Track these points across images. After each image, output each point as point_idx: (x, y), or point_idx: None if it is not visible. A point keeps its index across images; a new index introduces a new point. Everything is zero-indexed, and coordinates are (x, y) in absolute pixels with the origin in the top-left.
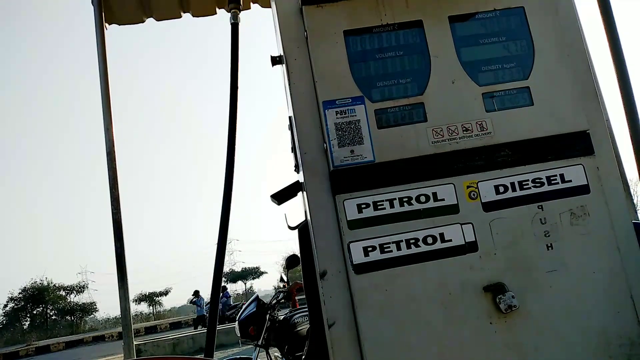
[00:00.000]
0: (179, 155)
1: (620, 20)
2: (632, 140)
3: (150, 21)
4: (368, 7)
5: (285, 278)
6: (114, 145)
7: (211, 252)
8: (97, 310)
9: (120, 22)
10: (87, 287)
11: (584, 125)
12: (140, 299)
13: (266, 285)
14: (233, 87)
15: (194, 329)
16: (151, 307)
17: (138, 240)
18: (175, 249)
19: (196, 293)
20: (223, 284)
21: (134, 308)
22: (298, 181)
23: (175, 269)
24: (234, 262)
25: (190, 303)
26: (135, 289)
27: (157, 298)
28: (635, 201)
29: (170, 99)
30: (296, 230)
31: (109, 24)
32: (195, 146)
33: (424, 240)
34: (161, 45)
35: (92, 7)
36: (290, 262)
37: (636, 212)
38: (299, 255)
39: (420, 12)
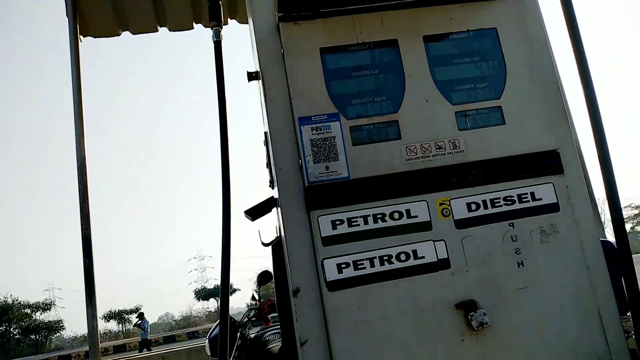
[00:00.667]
0: (152, 170)
1: (588, 43)
2: (599, 160)
3: (126, 34)
4: (344, 26)
5: (256, 296)
6: (85, 159)
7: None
8: (64, 329)
9: (96, 35)
10: (54, 304)
11: (553, 145)
12: (110, 316)
13: (239, 303)
14: (221, 104)
15: (139, 352)
16: (120, 325)
17: (108, 256)
18: (147, 265)
19: (140, 315)
20: (141, 310)
21: (103, 326)
22: (272, 197)
23: (147, 286)
24: (206, 279)
25: (134, 326)
26: (104, 307)
27: (127, 316)
28: (602, 220)
29: (144, 115)
30: (270, 247)
31: (84, 37)
32: (169, 161)
33: (397, 257)
34: (137, 58)
35: (67, 19)
36: (262, 278)
37: (603, 231)
38: (271, 271)
39: (395, 32)
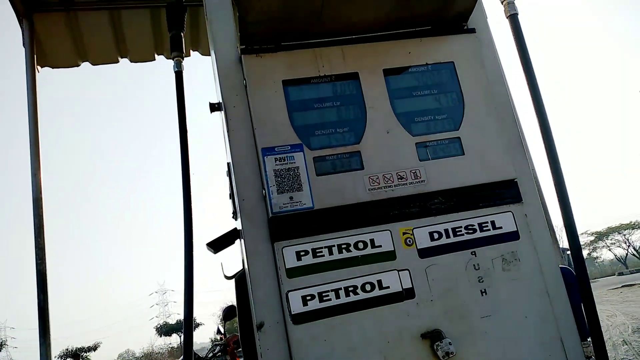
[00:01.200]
0: (111, 203)
1: (540, 74)
2: (555, 189)
3: (85, 65)
4: (306, 59)
5: (222, 330)
6: (41, 192)
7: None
8: None
9: (54, 65)
10: (5, 344)
11: (511, 174)
12: (67, 355)
13: (202, 338)
14: (182, 135)
15: None
16: None
17: (64, 293)
18: (107, 301)
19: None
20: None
21: None
22: (236, 228)
23: (106, 323)
24: (168, 314)
25: None
26: (60, 345)
27: (84, 354)
28: (561, 246)
29: (102, 147)
30: (233, 280)
31: (42, 67)
32: (129, 193)
33: (362, 288)
34: (96, 89)
35: (24, 48)
36: (228, 313)
37: (562, 258)
38: (235, 307)
39: (356, 65)
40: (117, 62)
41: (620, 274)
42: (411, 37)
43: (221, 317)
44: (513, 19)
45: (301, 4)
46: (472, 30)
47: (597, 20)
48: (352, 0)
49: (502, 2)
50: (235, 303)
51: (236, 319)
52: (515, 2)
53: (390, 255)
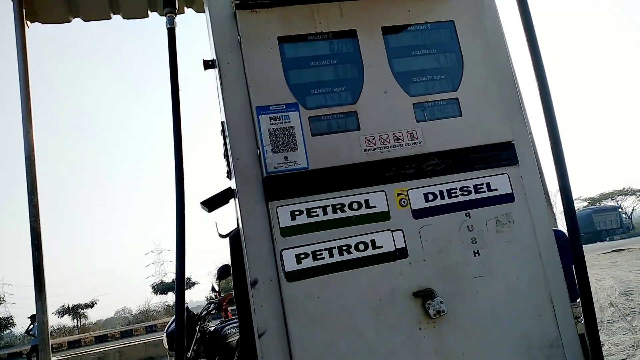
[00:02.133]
0: (106, 162)
1: (542, 39)
2: (552, 153)
3: (77, 21)
4: (303, 15)
5: (217, 288)
6: (33, 150)
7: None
8: (15, 325)
9: (44, 21)
10: (3, 300)
11: (508, 137)
12: (64, 311)
13: (198, 296)
14: (174, 92)
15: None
16: (75, 320)
17: (62, 251)
18: (103, 260)
19: (33, 318)
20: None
21: (57, 321)
22: (230, 188)
23: (103, 280)
24: (164, 272)
25: (26, 332)
26: (58, 301)
27: (82, 310)
28: (554, 211)
29: (96, 105)
30: (227, 239)
31: (31, 22)
32: (123, 152)
33: (356, 247)
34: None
35: (12, 3)
36: (223, 272)
37: (556, 221)
38: (229, 266)
39: (354, 22)
40: (110, 18)
41: (611, 239)
42: None
43: (216, 275)
44: None
45: None
46: None
47: None
48: None
49: None
50: (229, 262)
51: (231, 277)
52: None
53: (384, 216)
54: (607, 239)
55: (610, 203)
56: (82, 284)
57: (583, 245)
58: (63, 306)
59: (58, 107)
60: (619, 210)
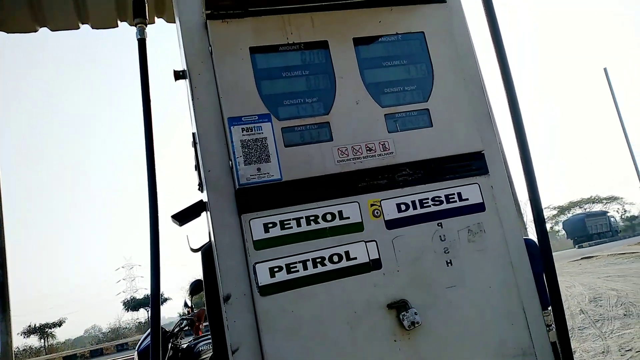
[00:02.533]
0: (75, 175)
1: (510, 49)
2: (521, 163)
3: (44, 31)
4: (274, 26)
5: (189, 304)
6: None
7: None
8: None
9: (9, 31)
10: None
11: (479, 147)
12: (30, 331)
13: (170, 312)
14: (145, 104)
15: None
16: (42, 341)
17: (30, 268)
18: (72, 277)
19: None
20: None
21: (23, 342)
22: (202, 200)
23: (72, 298)
24: (135, 288)
25: None
26: (25, 321)
27: (49, 330)
28: (524, 220)
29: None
30: (199, 253)
31: None
32: (94, 165)
33: (330, 259)
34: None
35: None
36: (195, 287)
37: (526, 230)
38: (201, 281)
39: (325, 33)
40: (78, 28)
41: (580, 246)
42: (382, 5)
43: (188, 290)
44: None
45: None
46: (443, 0)
47: None
48: None
49: None
50: (202, 276)
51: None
52: None
53: (358, 227)
54: (577, 246)
55: (578, 211)
56: (50, 302)
57: (554, 253)
58: (29, 326)
59: (25, 119)
60: (608, 214)
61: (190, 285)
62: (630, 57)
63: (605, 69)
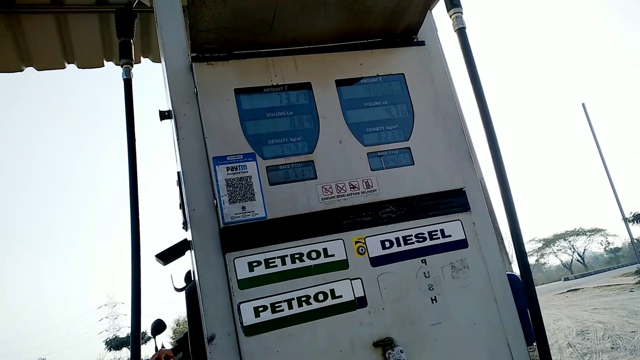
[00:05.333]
0: (58, 212)
1: (488, 85)
2: (502, 198)
3: (30, 70)
4: (258, 68)
5: (156, 344)
6: None
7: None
8: None
9: None
10: None
11: (460, 184)
12: None
13: (154, 351)
14: (131, 143)
15: None
16: None
17: (7, 306)
18: (53, 315)
19: None
20: None
21: None
22: (186, 239)
23: (52, 337)
24: (118, 327)
25: None
26: None
27: None
28: (510, 254)
29: (49, 154)
30: (184, 292)
31: None
32: (76, 203)
33: (315, 298)
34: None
35: None
36: (156, 327)
37: (510, 264)
38: (164, 321)
39: (308, 75)
40: (64, 67)
41: (566, 279)
42: (362, 48)
43: (151, 331)
44: (461, 32)
45: (252, 15)
46: (422, 43)
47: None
48: (303, 13)
49: (450, 17)
50: (180, 317)
51: (185, 330)
52: (462, 16)
53: (343, 264)
54: (563, 279)
55: (563, 243)
56: (31, 342)
57: (541, 286)
58: None
59: (6, 155)
60: None
61: (152, 326)
62: (607, 93)
63: (583, 104)
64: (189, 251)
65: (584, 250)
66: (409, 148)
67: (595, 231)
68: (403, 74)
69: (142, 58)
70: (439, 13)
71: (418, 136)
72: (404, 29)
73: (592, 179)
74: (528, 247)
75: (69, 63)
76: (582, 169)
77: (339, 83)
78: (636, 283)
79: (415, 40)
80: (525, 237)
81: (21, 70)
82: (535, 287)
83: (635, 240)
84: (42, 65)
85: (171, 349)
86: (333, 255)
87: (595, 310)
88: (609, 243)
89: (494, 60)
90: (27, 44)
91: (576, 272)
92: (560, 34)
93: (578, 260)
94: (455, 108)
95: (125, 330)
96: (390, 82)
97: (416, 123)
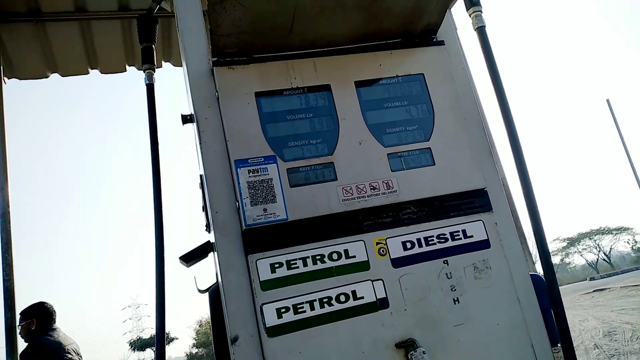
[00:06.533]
0: (82, 216)
1: (509, 86)
2: (524, 197)
3: (54, 76)
4: (278, 71)
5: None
6: (9, 206)
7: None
8: None
9: (21, 77)
10: None
11: (481, 184)
12: None
13: (177, 352)
14: (154, 147)
15: None
16: None
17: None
18: (78, 316)
19: None
20: None
21: None
22: (209, 241)
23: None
24: (141, 328)
25: None
26: None
27: None
28: (533, 254)
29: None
30: (207, 294)
31: (8, 78)
32: (100, 206)
33: (337, 299)
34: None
35: None
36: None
37: (534, 264)
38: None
39: (328, 77)
40: (87, 73)
41: (592, 279)
42: (381, 49)
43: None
44: (480, 31)
45: (271, 19)
46: (441, 43)
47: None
48: (321, 15)
49: (469, 15)
50: (209, 317)
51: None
52: (482, 14)
53: (364, 266)
54: (588, 278)
55: (588, 242)
56: None
57: (565, 285)
58: None
59: (34, 162)
60: None
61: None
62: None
63: (607, 100)
64: (212, 253)
65: (610, 249)
66: (429, 148)
67: (621, 230)
68: (423, 74)
69: (163, 62)
70: (459, 12)
71: (439, 136)
72: (423, 28)
73: (618, 176)
74: (552, 247)
75: (92, 69)
76: (608, 166)
77: (359, 84)
78: None
79: (434, 40)
80: (549, 236)
81: (46, 77)
82: (560, 287)
83: None
84: (66, 72)
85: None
86: (354, 257)
87: (623, 310)
88: (636, 242)
89: (515, 57)
90: (52, 51)
91: (602, 272)
92: (581, 30)
93: (604, 259)
94: (476, 107)
95: (148, 332)
96: (409, 83)
97: (436, 123)
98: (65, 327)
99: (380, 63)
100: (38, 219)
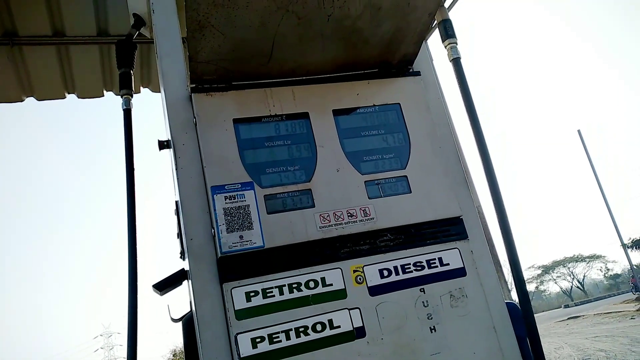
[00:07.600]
0: (54, 242)
1: (482, 114)
2: (499, 225)
3: (30, 100)
4: (257, 98)
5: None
6: None
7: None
8: None
9: None
10: None
11: (457, 212)
12: None
13: None
14: (129, 175)
15: None
16: None
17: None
18: (45, 347)
19: None
20: None
21: None
22: (183, 269)
23: None
24: (114, 358)
25: None
26: None
27: None
28: (509, 282)
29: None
30: (180, 323)
31: None
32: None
33: (313, 328)
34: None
35: None
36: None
37: (509, 292)
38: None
39: (306, 105)
40: (64, 97)
41: (566, 306)
42: (359, 79)
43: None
44: (456, 62)
45: (250, 47)
46: (417, 73)
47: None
48: (301, 44)
49: (445, 47)
50: (183, 346)
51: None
52: (457, 46)
53: (341, 294)
54: (563, 306)
55: (562, 270)
56: None
57: (540, 313)
58: None
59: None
60: None
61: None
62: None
63: (579, 131)
64: (186, 281)
65: (584, 276)
66: (406, 176)
67: (594, 257)
68: (399, 103)
69: (141, 88)
70: (435, 44)
71: (415, 164)
72: (400, 59)
73: (590, 205)
74: (527, 274)
75: (69, 93)
76: (580, 195)
77: (336, 113)
78: (637, 310)
79: (411, 70)
80: (524, 264)
81: (22, 101)
82: (535, 315)
83: (634, 267)
84: (42, 96)
85: None
86: (331, 285)
87: (597, 338)
88: (608, 269)
89: (490, 86)
90: (28, 74)
91: (576, 299)
92: (552, 61)
93: (578, 287)
94: (451, 136)
95: None
96: (386, 112)
97: (413, 151)
98: (37, 357)
99: (357, 92)
100: (12, 244)
